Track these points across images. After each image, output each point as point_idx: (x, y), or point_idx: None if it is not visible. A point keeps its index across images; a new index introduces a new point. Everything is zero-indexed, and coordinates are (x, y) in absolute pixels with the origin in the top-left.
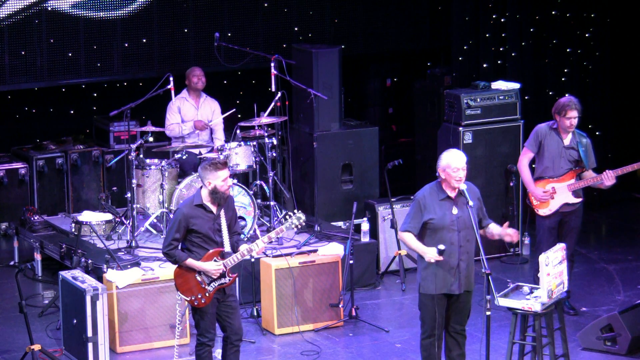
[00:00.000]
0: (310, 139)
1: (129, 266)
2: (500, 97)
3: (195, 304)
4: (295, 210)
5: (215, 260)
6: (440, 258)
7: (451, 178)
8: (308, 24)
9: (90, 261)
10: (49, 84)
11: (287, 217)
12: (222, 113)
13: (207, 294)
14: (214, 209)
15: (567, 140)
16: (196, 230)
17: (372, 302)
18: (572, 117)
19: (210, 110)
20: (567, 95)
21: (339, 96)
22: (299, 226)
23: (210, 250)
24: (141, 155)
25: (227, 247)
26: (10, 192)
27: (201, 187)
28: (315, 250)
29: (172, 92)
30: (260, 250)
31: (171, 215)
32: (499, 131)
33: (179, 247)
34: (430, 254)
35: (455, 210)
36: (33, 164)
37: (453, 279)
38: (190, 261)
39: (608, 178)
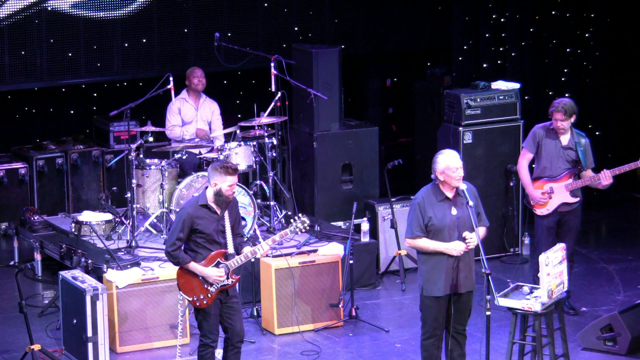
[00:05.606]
0: (310, 139)
1: (129, 266)
2: (500, 97)
3: (197, 304)
4: (300, 214)
5: (219, 262)
6: (467, 247)
7: (451, 179)
8: (308, 24)
9: (90, 261)
10: (49, 84)
11: (292, 221)
12: (222, 115)
13: (209, 295)
14: (218, 210)
15: (565, 140)
16: (200, 230)
17: (372, 302)
18: (558, 119)
19: (209, 111)
20: (566, 95)
21: (339, 96)
22: (303, 230)
23: (214, 252)
24: (141, 155)
25: (231, 249)
26: (10, 192)
27: (206, 188)
28: (315, 250)
29: (172, 92)
30: (265, 253)
31: (172, 215)
32: (499, 131)
33: (182, 247)
34: (455, 246)
35: (454, 211)
36: (33, 164)
37: (455, 280)
38: (193, 265)
39: (605, 178)
